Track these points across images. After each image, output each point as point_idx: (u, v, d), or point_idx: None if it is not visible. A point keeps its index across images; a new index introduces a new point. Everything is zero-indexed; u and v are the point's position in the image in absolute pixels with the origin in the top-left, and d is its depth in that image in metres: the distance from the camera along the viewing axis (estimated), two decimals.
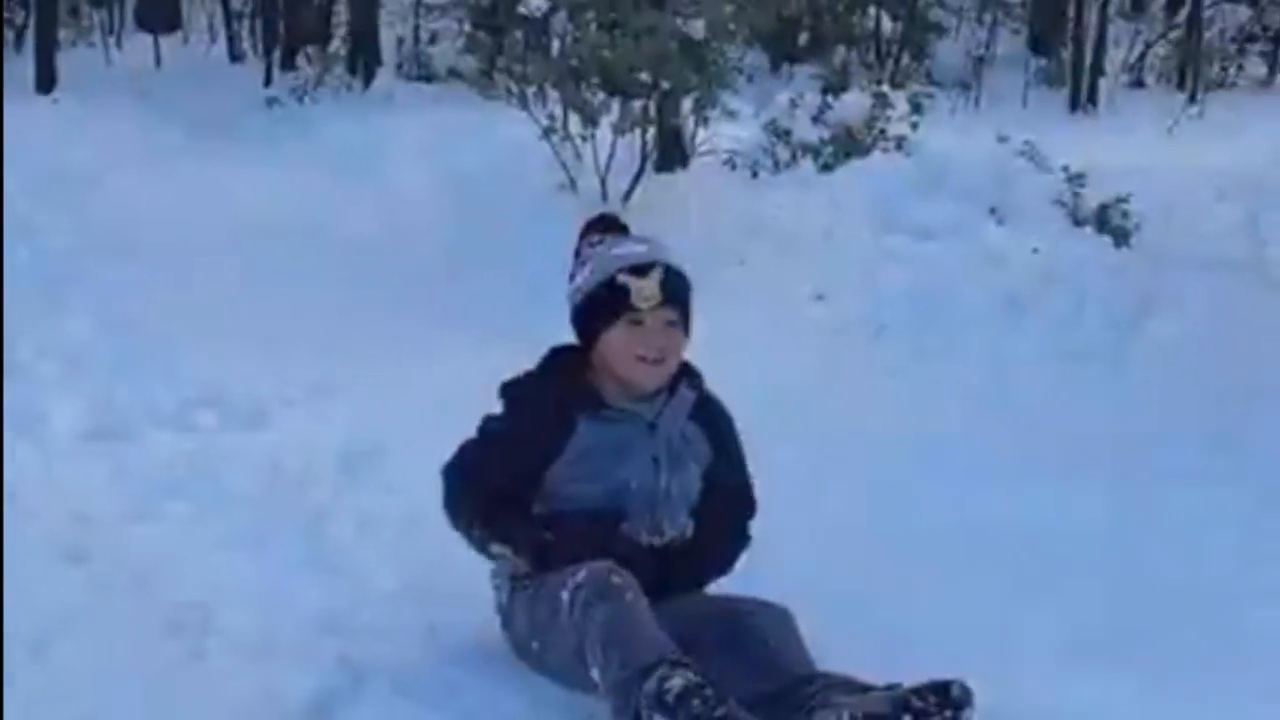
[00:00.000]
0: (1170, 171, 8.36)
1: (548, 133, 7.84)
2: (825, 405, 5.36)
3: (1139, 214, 7.33)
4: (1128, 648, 3.35)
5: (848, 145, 8.28)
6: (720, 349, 6.07)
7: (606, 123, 7.72)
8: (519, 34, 8.37)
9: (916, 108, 8.71)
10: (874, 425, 5.15)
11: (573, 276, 3.33)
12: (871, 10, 14.70)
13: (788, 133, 8.40)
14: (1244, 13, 16.30)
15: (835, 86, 9.82)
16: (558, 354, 3.34)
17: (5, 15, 12.70)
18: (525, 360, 5.76)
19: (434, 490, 4.06)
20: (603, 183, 7.81)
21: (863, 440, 4.94)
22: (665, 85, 7.63)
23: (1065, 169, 7.57)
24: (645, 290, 3.19)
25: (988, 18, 16.03)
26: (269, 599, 3.47)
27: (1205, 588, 3.78)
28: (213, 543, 3.82)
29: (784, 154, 8.37)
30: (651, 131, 7.89)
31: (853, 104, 8.56)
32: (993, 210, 7.30)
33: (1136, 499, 4.41)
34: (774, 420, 5.11)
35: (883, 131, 8.36)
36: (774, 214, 7.58)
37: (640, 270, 3.21)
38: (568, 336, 6.05)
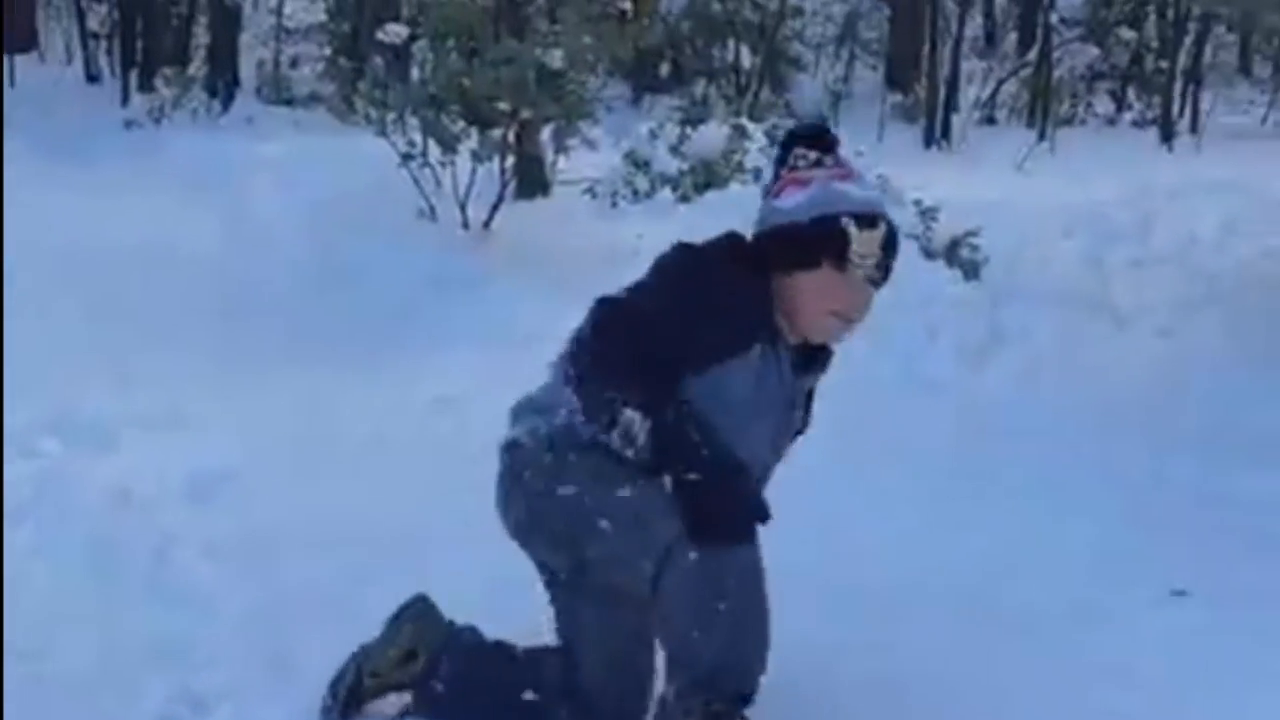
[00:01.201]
0: (1020, 207, 8.54)
1: (406, 159, 7.82)
2: None
3: (989, 248, 7.48)
4: (977, 674, 3.39)
5: (706, 176, 8.36)
6: None
7: (466, 150, 7.72)
8: (379, 60, 8.35)
9: (774, 140, 8.82)
10: None
11: (778, 192, 2.95)
12: (731, 43, 14.86)
13: (647, 163, 8.47)
14: (1092, 52, 16.74)
15: (695, 118, 9.93)
16: (757, 273, 2.87)
17: None
18: (382, 389, 5.73)
19: (285, 515, 4.03)
20: (462, 209, 7.81)
21: None
22: (525, 114, 7.65)
23: (918, 203, 7.71)
24: (867, 246, 2.85)
25: (845, 53, 16.30)
26: (110, 626, 3.40)
27: (1056, 611, 3.84)
28: (54, 568, 3.74)
29: (643, 184, 8.44)
30: (511, 159, 7.91)
31: (711, 136, 8.66)
32: None
33: (981, 527, 4.48)
34: None
35: (740, 163, 8.46)
36: (634, 243, 7.63)
37: (867, 221, 2.87)
38: (428, 364, 6.01)
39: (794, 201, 2.89)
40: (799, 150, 2.95)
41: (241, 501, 4.29)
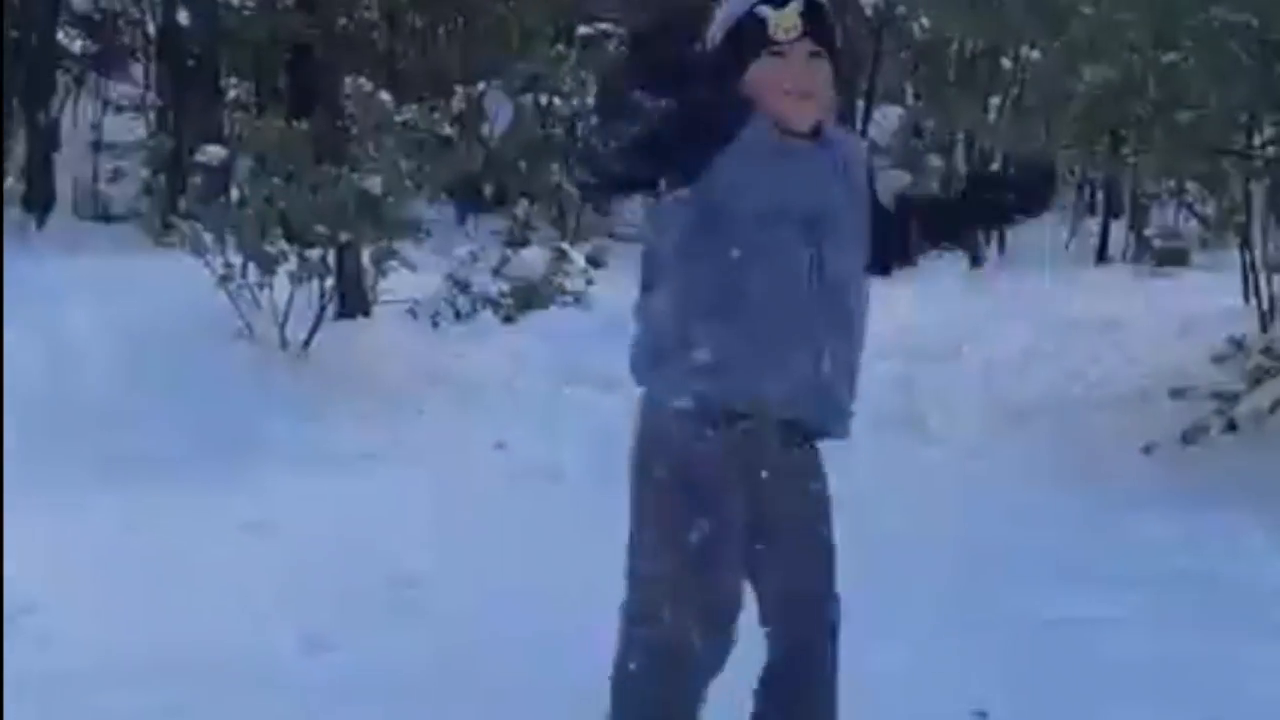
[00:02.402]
0: None
1: (224, 279, 7.77)
2: (501, 552, 5.38)
3: None
4: None
5: (527, 297, 8.45)
6: (398, 499, 6.06)
7: (285, 271, 7.70)
8: (198, 180, 8.31)
9: (594, 263, 8.96)
10: (548, 572, 5.19)
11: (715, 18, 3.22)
12: (554, 166, 15.02)
13: (467, 284, 8.54)
14: (904, 179, 17.25)
15: (517, 240, 10.05)
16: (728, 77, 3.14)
17: None
18: (195, 512, 5.64)
19: (92, 647, 3.92)
20: (281, 329, 7.77)
21: (537, 585, 4.97)
22: (344, 237, 7.68)
23: None
24: (784, 22, 3.08)
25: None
26: None
27: None
28: None
29: (465, 305, 8.49)
30: (331, 280, 7.91)
31: (532, 259, 8.77)
32: None
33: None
34: (448, 566, 5.14)
35: (561, 286, 8.57)
36: (455, 363, 7.67)
37: (779, 2, 3.10)
38: (243, 486, 5.93)
39: (721, 14, 3.15)
40: None
41: (46, 632, 4.18)
